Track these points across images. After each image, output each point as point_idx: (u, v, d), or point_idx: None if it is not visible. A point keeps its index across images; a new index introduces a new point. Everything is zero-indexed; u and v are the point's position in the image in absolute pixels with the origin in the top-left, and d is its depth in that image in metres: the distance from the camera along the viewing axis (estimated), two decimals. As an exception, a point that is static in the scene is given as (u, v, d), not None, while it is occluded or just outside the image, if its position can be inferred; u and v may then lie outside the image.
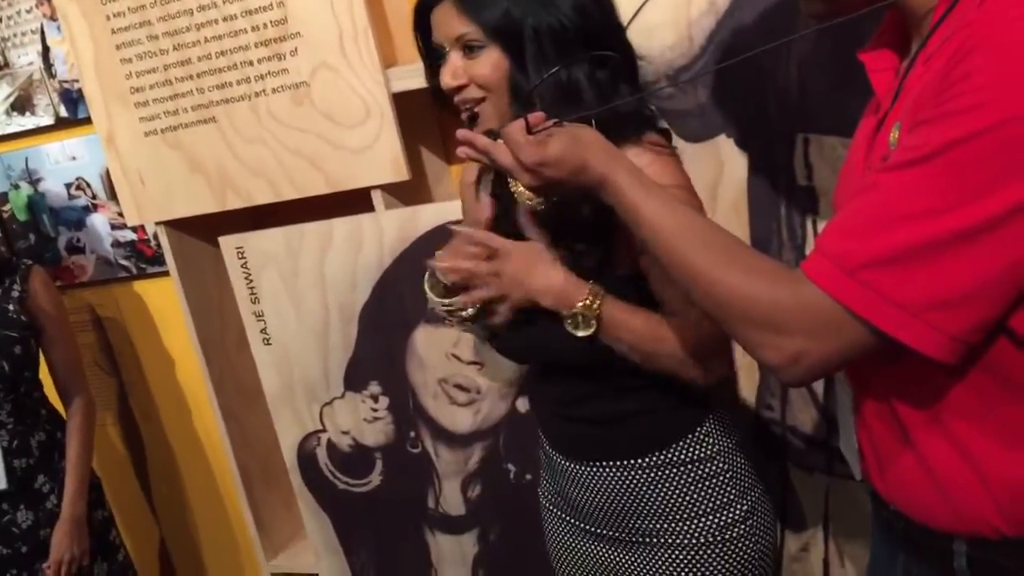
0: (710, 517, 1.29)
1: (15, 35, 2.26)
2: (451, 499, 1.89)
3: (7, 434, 1.96)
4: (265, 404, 2.01)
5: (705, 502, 1.29)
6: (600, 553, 1.36)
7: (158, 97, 1.85)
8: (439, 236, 1.70)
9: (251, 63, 1.74)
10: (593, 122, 1.08)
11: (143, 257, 2.34)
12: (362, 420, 1.91)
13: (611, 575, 1.36)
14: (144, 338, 2.43)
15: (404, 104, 1.72)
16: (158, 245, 2.07)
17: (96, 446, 2.18)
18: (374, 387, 1.89)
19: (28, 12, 2.22)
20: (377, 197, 1.76)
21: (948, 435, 0.88)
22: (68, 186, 2.35)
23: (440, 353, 1.80)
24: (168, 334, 2.39)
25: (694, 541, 1.29)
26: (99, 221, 2.35)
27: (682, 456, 1.29)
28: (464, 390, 1.81)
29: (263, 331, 1.93)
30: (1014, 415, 0.84)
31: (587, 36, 1.18)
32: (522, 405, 1.78)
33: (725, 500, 1.30)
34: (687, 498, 1.29)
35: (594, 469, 1.32)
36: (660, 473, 1.29)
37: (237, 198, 1.86)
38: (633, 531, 1.32)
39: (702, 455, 1.30)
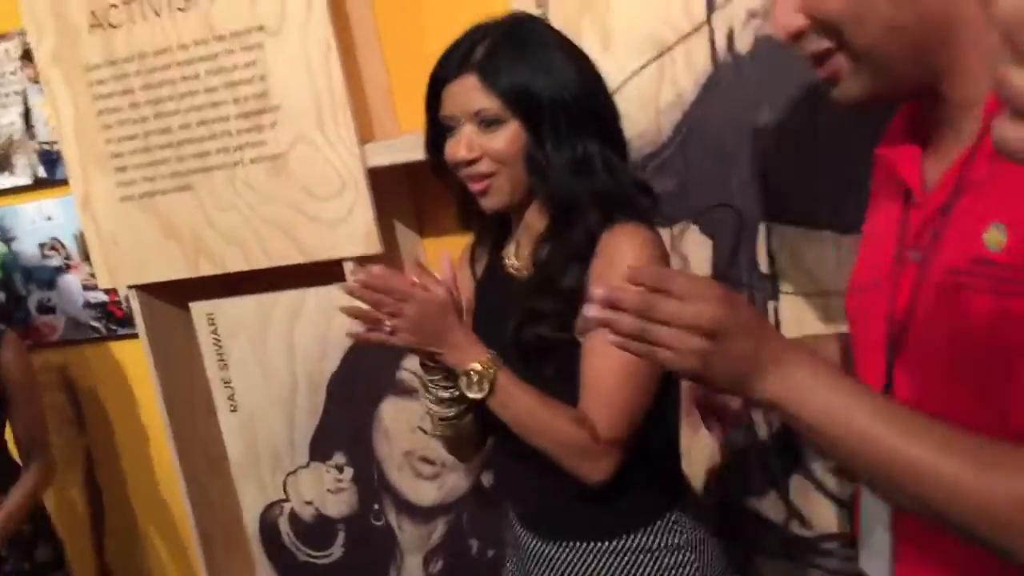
0: None
1: (-2, 96, 2.28)
2: (413, 574, 1.88)
3: None
4: (230, 471, 1.99)
5: None
6: None
7: (136, 163, 1.87)
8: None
9: (230, 133, 1.77)
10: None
11: (113, 319, 2.34)
12: (326, 490, 1.91)
13: None
14: (112, 399, 2.42)
15: (379, 178, 1.75)
16: (129, 307, 2.08)
17: (58, 507, 2.17)
18: (339, 457, 1.88)
19: (12, 74, 2.25)
20: (349, 268, 1.78)
21: None
22: (42, 246, 2.35)
23: (406, 425, 1.81)
24: (136, 396, 2.38)
25: None
26: (71, 282, 2.36)
27: (650, 543, 1.29)
28: (429, 463, 1.82)
29: (230, 398, 1.93)
30: None
31: (595, 112, 1.24)
32: (487, 479, 1.78)
33: None
34: None
35: (561, 550, 1.32)
36: (627, 559, 1.28)
37: (210, 265, 1.87)
38: None
39: (671, 543, 1.29)
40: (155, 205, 1.87)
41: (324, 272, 1.82)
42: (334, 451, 1.88)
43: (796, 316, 1.50)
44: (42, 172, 2.30)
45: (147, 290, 1.99)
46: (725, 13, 1.43)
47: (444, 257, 1.33)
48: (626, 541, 1.28)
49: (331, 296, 1.80)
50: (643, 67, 1.49)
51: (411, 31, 1.86)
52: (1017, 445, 0.73)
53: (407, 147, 1.70)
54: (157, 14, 1.76)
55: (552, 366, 1.25)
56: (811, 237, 1.46)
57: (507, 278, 1.34)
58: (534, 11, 1.51)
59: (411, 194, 1.95)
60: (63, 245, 2.34)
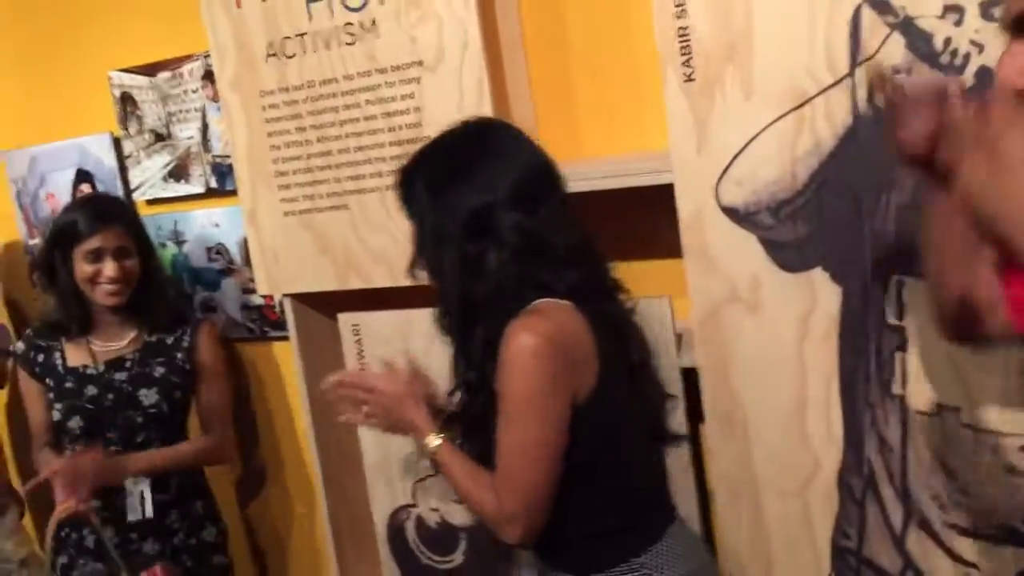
0: None
1: (180, 111, 2.50)
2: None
3: None
4: (364, 473, 2.12)
5: None
6: None
7: (299, 182, 2.03)
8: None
9: (384, 159, 1.90)
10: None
11: (267, 321, 2.51)
12: (451, 499, 2.00)
13: None
14: (260, 397, 2.60)
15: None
16: (282, 312, 2.24)
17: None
18: (466, 469, 1.98)
19: (194, 92, 2.45)
20: (486, 292, 1.88)
21: None
22: (208, 250, 2.56)
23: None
24: (282, 396, 2.55)
25: None
26: (231, 285, 2.55)
27: None
28: (550, 483, 1.88)
29: (369, 405, 2.05)
30: None
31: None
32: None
33: None
34: None
35: None
36: None
37: (359, 279, 2.01)
38: None
39: None
40: (313, 221, 2.03)
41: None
42: (461, 463, 1.97)
43: (923, 369, 1.50)
44: (214, 183, 2.50)
45: (300, 299, 2.15)
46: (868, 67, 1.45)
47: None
48: None
49: (468, 316, 1.90)
50: (782, 116, 1.52)
51: (558, 67, 1.95)
52: None
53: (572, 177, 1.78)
54: (327, 47, 1.91)
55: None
56: (943, 292, 1.46)
57: None
58: (677, 57, 1.57)
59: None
60: (227, 250, 2.53)
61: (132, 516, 2.12)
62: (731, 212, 1.60)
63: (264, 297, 2.47)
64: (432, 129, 1.83)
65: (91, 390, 2.17)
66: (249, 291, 2.49)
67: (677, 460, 1.74)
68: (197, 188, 2.53)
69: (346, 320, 2.04)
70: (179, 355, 2.23)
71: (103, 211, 2.20)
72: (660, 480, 1.65)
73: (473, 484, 1.43)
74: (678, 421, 1.73)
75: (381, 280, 1.98)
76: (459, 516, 2.01)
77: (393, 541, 2.11)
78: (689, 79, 1.57)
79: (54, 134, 2.75)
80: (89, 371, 2.19)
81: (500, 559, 1.97)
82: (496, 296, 1.38)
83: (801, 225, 1.55)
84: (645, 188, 1.68)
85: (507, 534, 1.41)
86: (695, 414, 1.75)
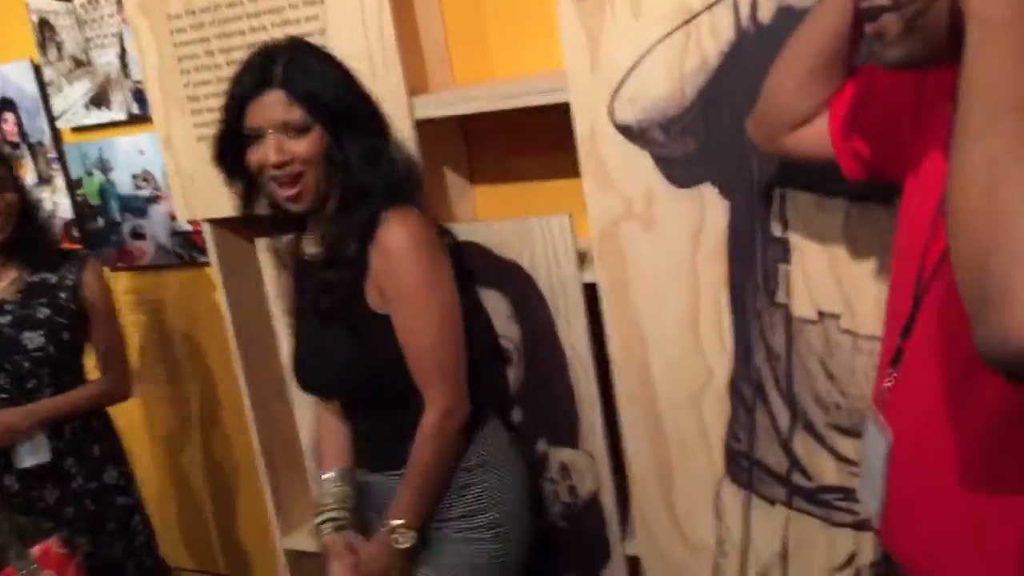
0: (459, 522, 1.66)
1: (97, 36, 2.47)
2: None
3: None
4: (289, 394, 2.18)
5: (456, 508, 1.65)
6: None
7: (212, 107, 2.02)
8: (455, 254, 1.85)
9: (292, 83, 1.91)
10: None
11: (196, 247, 2.53)
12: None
13: None
14: (189, 321, 2.63)
15: (431, 128, 1.87)
16: (208, 238, 2.26)
17: (128, 424, 2.34)
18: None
19: (110, 17, 2.43)
20: (398, 213, 1.91)
21: None
22: (135, 177, 2.56)
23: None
24: (209, 320, 2.58)
25: (442, 540, 1.65)
26: (159, 212, 2.56)
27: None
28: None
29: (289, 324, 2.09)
30: None
31: (371, 113, 1.59)
32: (515, 416, 1.90)
33: (473, 509, 1.65)
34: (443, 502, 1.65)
35: (383, 478, 1.69)
36: None
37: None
38: None
39: (464, 465, 1.65)
40: (226, 146, 2.03)
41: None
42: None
43: (805, 279, 1.56)
44: (136, 109, 2.49)
45: (221, 224, 2.17)
46: (749, -17, 1.47)
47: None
48: None
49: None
50: (669, 34, 1.54)
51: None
52: None
53: (458, 99, 1.81)
54: (231, -32, 1.90)
55: (347, 329, 1.57)
56: (823, 204, 1.51)
57: (307, 263, 1.66)
58: (570, -24, 1.58)
59: (463, 144, 2.06)
60: (153, 177, 2.54)
61: (30, 462, 2.10)
62: (624, 129, 1.63)
63: (191, 223, 2.49)
64: (337, 50, 1.83)
65: None
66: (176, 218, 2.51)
67: (583, 376, 1.81)
68: (119, 115, 2.53)
69: (263, 244, 2.06)
70: (63, 295, 2.15)
71: None
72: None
73: (438, 477, 1.63)
74: (581, 337, 1.79)
75: (295, 203, 2.00)
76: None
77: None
78: (581, -3, 1.58)
79: (-27, 62, 2.72)
80: None
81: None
82: (387, 185, 1.56)
83: (690, 141, 1.58)
84: (545, 107, 1.70)
85: (452, 427, 1.60)
86: (597, 331, 1.80)
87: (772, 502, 1.70)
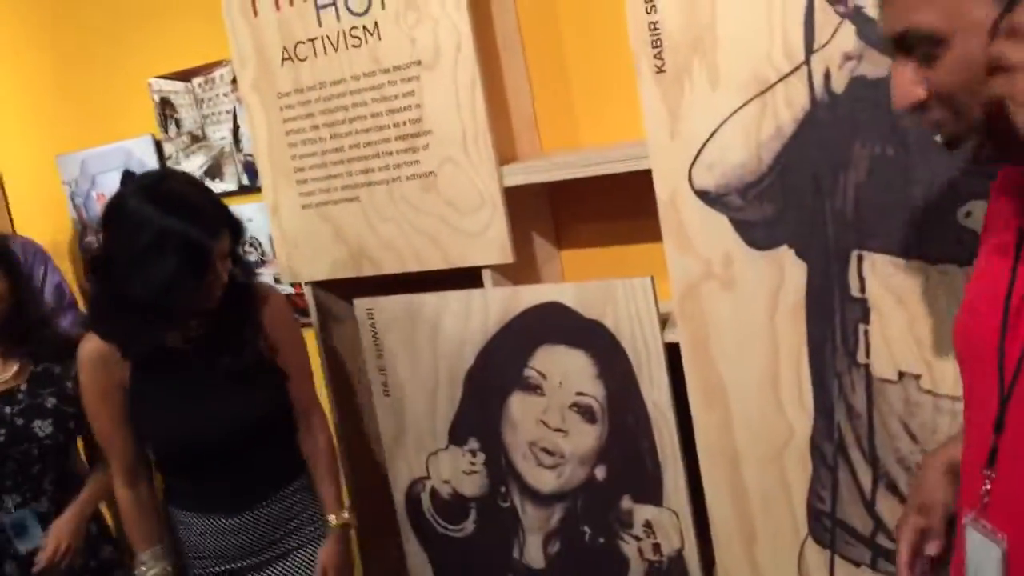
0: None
1: (213, 114, 2.67)
2: (533, 552, 2.08)
3: (47, 501, 2.15)
4: (383, 449, 2.27)
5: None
6: None
7: (315, 177, 2.17)
8: (538, 312, 1.93)
9: (390, 153, 2.04)
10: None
11: (297, 309, 2.67)
12: (461, 472, 2.14)
13: None
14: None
15: (518, 195, 1.96)
16: (308, 300, 2.39)
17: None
18: (473, 443, 2.11)
19: (225, 96, 2.63)
20: (487, 276, 2.00)
21: None
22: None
23: (532, 419, 2.01)
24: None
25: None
26: (266, 276, 2.71)
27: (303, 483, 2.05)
28: (550, 454, 2.01)
29: (384, 383, 2.20)
30: None
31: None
32: (600, 473, 1.95)
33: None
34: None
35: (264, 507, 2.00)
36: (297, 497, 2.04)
37: (371, 267, 2.15)
38: None
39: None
40: (328, 213, 2.17)
41: (466, 277, 2.05)
42: (469, 437, 2.11)
43: (885, 339, 1.58)
44: (245, 180, 2.67)
45: (320, 286, 2.30)
46: (822, 55, 1.53)
47: None
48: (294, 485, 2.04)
49: (470, 299, 2.02)
50: (746, 103, 1.61)
51: (555, 60, 2.06)
52: None
53: (545, 168, 1.91)
54: (335, 50, 2.05)
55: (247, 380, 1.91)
56: (900, 265, 1.54)
57: (176, 349, 1.88)
58: (649, 50, 1.67)
59: (550, 209, 2.16)
60: (259, 243, 2.70)
61: (30, 545, 2.11)
62: (703, 195, 1.69)
63: (294, 286, 2.63)
64: (432, 124, 1.97)
65: None
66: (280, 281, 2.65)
67: (666, 432, 1.85)
68: (231, 186, 2.70)
69: (361, 304, 2.18)
70: (69, 384, 2.15)
71: None
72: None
73: (332, 477, 2.07)
74: (663, 395, 1.83)
75: (390, 266, 2.12)
76: (468, 488, 2.14)
77: (410, 511, 2.25)
78: (660, 70, 1.67)
79: (101, 138, 2.96)
80: None
81: (506, 529, 2.10)
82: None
83: (767, 205, 1.64)
84: (627, 175, 1.78)
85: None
86: (680, 389, 1.84)
87: (857, 564, 1.70)
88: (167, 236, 1.68)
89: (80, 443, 2.29)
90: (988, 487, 1.01)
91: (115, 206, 1.76)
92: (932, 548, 1.18)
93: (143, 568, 1.95)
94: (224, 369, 1.86)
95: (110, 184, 2.95)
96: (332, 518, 2.02)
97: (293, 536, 2.03)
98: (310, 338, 2.44)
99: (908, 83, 0.97)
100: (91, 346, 1.86)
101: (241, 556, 1.98)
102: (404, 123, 2.00)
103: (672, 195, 1.72)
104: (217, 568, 1.98)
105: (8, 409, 2.12)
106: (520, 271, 2.06)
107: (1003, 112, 0.87)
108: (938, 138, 1.01)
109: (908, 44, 0.96)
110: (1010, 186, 1.07)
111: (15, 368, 2.16)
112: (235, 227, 1.82)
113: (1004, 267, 1.02)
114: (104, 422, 1.91)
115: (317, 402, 2.09)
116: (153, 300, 1.71)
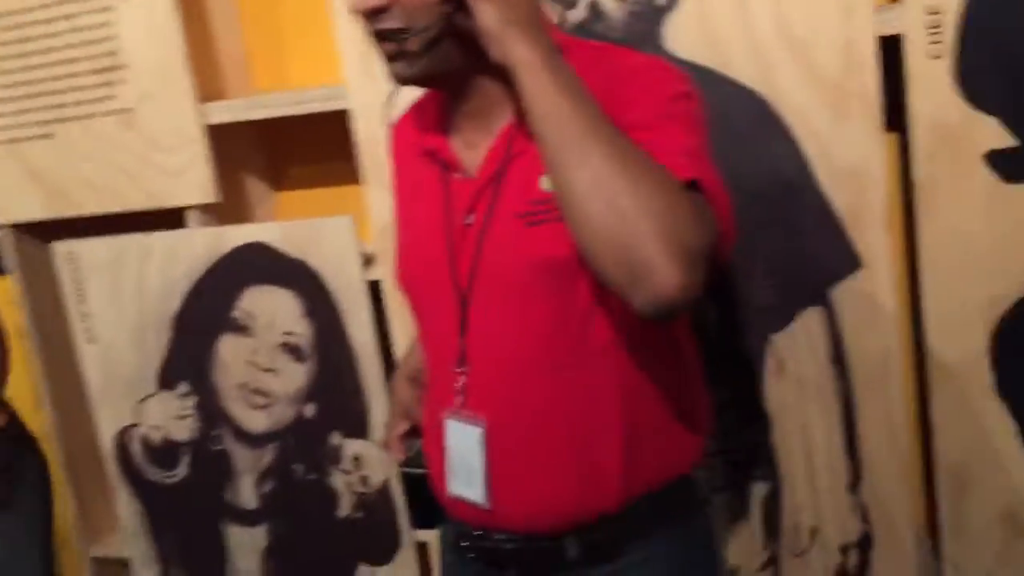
0: None
1: None
2: (246, 493, 2.08)
3: None
4: (90, 397, 2.19)
5: None
6: None
7: (4, 111, 2.04)
8: (245, 252, 1.92)
9: (84, 88, 1.95)
10: None
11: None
12: (172, 417, 2.10)
13: None
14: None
15: (226, 134, 1.94)
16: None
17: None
18: (184, 387, 2.08)
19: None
20: (191, 216, 1.97)
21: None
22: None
23: (241, 360, 2.00)
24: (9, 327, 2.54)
25: None
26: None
27: None
28: (261, 394, 2.01)
29: (87, 330, 2.11)
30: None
31: None
32: (309, 411, 1.98)
33: None
34: None
35: None
36: None
37: (70, 207, 2.06)
38: None
39: None
40: (20, 151, 2.05)
41: (169, 219, 2.00)
42: (179, 381, 2.07)
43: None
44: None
45: (19, 229, 2.17)
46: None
47: None
48: None
49: (175, 240, 1.98)
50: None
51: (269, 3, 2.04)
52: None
53: (248, 106, 1.89)
54: (25, -24, 1.93)
55: None
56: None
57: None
58: (345, -9, 1.69)
59: (264, 151, 2.14)
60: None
61: None
62: (399, 135, 1.74)
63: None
64: (129, 58, 1.90)
65: None
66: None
67: (370, 370, 1.90)
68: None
69: (60, 248, 2.08)
70: None
71: None
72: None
73: None
74: (367, 332, 1.88)
75: (91, 208, 2.04)
76: (179, 433, 2.10)
77: (120, 460, 2.18)
78: (355, 11, 1.69)
79: None
80: None
81: (218, 472, 2.09)
82: None
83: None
84: (336, 115, 1.80)
85: None
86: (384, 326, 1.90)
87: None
88: None
89: None
90: (464, 383, 1.15)
91: None
92: (400, 428, 1.38)
93: None
94: None
95: None
96: None
97: None
98: (9, 286, 2.30)
99: None
100: None
101: None
102: (99, 55, 1.92)
103: (370, 134, 1.76)
104: None
105: None
106: (230, 212, 2.04)
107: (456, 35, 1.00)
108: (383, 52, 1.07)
109: None
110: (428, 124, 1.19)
111: None
112: None
113: (433, 200, 1.16)
114: None
115: None
116: None
